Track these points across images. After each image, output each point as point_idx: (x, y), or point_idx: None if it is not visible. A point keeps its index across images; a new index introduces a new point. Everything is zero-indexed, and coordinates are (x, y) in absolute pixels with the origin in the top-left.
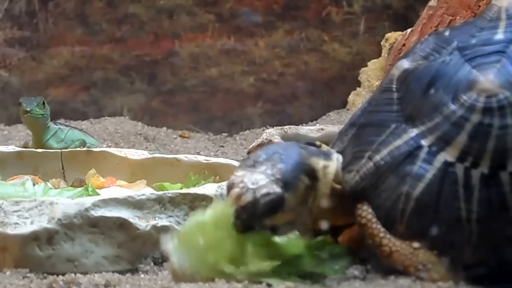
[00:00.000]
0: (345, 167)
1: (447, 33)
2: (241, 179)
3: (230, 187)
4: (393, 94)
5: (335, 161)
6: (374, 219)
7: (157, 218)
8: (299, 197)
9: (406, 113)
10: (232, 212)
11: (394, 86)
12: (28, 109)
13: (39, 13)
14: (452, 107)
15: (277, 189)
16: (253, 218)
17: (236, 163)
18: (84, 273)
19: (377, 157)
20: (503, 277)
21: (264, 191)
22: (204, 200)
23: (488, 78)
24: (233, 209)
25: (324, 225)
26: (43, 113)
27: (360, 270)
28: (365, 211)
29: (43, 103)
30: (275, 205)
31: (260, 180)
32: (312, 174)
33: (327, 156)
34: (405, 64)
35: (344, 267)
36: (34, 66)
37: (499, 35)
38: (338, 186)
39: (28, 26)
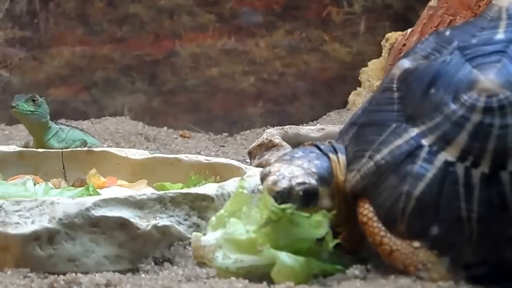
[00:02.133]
0: (346, 166)
1: (447, 33)
2: (278, 169)
3: (265, 175)
4: (394, 93)
5: (342, 157)
6: (375, 218)
7: (158, 218)
8: (331, 194)
9: (406, 113)
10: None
11: (394, 85)
12: (14, 104)
13: (40, 13)
14: (453, 106)
15: (312, 181)
16: (289, 202)
17: (237, 163)
18: (85, 272)
19: (378, 157)
20: (503, 277)
21: (300, 180)
22: (204, 200)
23: (488, 78)
24: (270, 195)
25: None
26: (32, 110)
27: (361, 270)
28: (366, 210)
29: (34, 100)
30: (309, 195)
31: (296, 171)
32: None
33: (335, 152)
34: (406, 63)
35: (342, 265)
36: (35, 66)
37: (500, 35)
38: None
39: (29, 26)
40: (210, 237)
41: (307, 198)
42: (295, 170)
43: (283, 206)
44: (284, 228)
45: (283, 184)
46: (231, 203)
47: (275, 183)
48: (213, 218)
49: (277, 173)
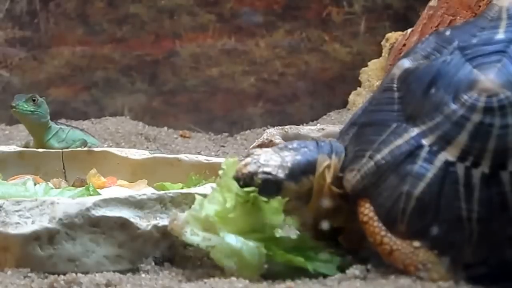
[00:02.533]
0: (346, 166)
1: (448, 33)
2: (259, 154)
3: (246, 155)
4: (394, 93)
5: (336, 159)
6: (376, 218)
7: (158, 218)
8: (300, 192)
9: (407, 113)
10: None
11: (395, 85)
12: (14, 104)
13: (40, 13)
14: (453, 106)
15: (280, 174)
16: (249, 184)
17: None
18: (85, 272)
19: (378, 156)
20: (503, 277)
21: (267, 169)
22: None
23: (489, 78)
24: (235, 176)
25: (325, 225)
26: (32, 110)
27: (361, 270)
28: (367, 209)
29: (34, 100)
30: (269, 186)
31: (272, 161)
32: (314, 168)
33: (330, 153)
34: (406, 63)
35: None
36: (35, 66)
37: (500, 35)
38: (335, 189)
39: (29, 26)
40: (184, 214)
41: (266, 188)
42: (273, 159)
43: (246, 189)
44: (248, 213)
45: (250, 168)
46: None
47: (245, 165)
48: (198, 197)
49: (255, 157)
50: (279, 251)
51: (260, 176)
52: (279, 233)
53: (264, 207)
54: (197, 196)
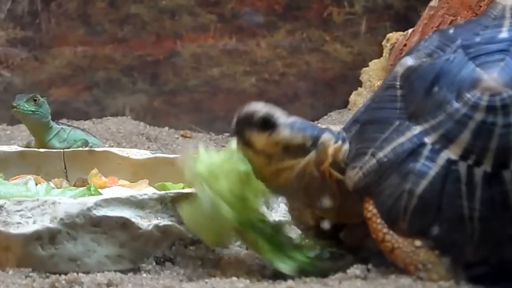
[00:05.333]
0: (349, 163)
1: (451, 31)
2: (267, 105)
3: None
4: (397, 91)
5: (337, 147)
6: (378, 214)
7: (159, 218)
8: (289, 143)
9: (409, 111)
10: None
11: (397, 83)
12: (15, 104)
13: (41, 13)
14: (456, 105)
15: (279, 118)
16: (248, 122)
17: None
18: (87, 272)
19: (380, 154)
20: (504, 276)
21: (270, 111)
22: None
23: (492, 77)
24: (238, 112)
25: (326, 224)
26: (33, 110)
27: (361, 269)
28: (371, 206)
29: (35, 100)
30: (269, 122)
31: (274, 110)
32: (315, 142)
33: (337, 140)
34: (409, 61)
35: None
36: (37, 66)
37: (503, 34)
38: (337, 174)
39: (31, 26)
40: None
41: (265, 123)
42: (275, 109)
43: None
44: (238, 181)
45: (256, 107)
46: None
47: (247, 106)
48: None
49: (256, 104)
50: (251, 233)
51: (261, 112)
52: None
53: (252, 184)
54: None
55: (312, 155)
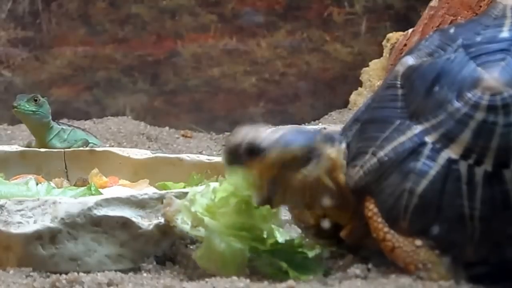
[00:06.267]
0: (349, 162)
1: (452, 30)
2: (252, 129)
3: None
4: (398, 90)
5: (337, 149)
6: (380, 213)
7: (159, 217)
8: (287, 160)
9: (410, 110)
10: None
11: (398, 82)
12: (15, 104)
13: (42, 13)
14: (457, 104)
15: (264, 140)
16: (236, 156)
17: None
18: (87, 272)
19: (381, 153)
20: (504, 276)
21: (251, 137)
22: None
23: (493, 76)
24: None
25: (326, 224)
26: (34, 110)
27: (361, 269)
28: (372, 204)
29: (35, 100)
30: (253, 144)
31: (257, 133)
32: (311, 150)
33: (333, 142)
34: (410, 60)
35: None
36: (37, 66)
37: (504, 33)
38: (341, 177)
39: (31, 27)
40: (177, 201)
41: (250, 151)
42: (262, 131)
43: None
44: (239, 212)
45: (235, 138)
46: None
47: (230, 140)
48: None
49: (246, 131)
50: (264, 253)
51: (245, 142)
52: (276, 234)
53: (254, 212)
54: (191, 190)
55: (314, 163)
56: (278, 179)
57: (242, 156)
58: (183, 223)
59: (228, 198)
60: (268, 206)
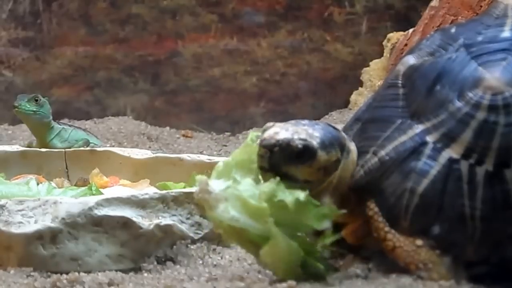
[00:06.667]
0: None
1: (453, 30)
2: (282, 125)
3: (267, 128)
4: (399, 89)
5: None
6: (381, 213)
7: (160, 217)
8: (327, 164)
9: (411, 109)
10: (261, 150)
11: (399, 81)
12: (16, 104)
13: (43, 13)
14: (458, 104)
15: (313, 141)
16: (284, 156)
17: None
18: (88, 272)
19: (382, 153)
20: (505, 276)
21: (302, 136)
22: None
23: (494, 76)
24: (265, 144)
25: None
26: (34, 110)
27: (362, 269)
28: (373, 204)
29: (36, 100)
30: (307, 151)
31: (300, 130)
32: (343, 149)
33: (350, 140)
34: (411, 60)
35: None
36: (38, 66)
37: (506, 33)
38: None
39: (32, 27)
40: (216, 185)
41: (304, 153)
42: (300, 129)
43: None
44: (291, 209)
45: (285, 135)
46: (240, 152)
47: (276, 133)
48: (220, 164)
49: (280, 127)
50: (314, 262)
51: (297, 142)
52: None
53: (310, 209)
54: (240, 174)
55: (342, 165)
56: (315, 184)
57: (290, 159)
58: (224, 212)
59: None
60: (328, 207)
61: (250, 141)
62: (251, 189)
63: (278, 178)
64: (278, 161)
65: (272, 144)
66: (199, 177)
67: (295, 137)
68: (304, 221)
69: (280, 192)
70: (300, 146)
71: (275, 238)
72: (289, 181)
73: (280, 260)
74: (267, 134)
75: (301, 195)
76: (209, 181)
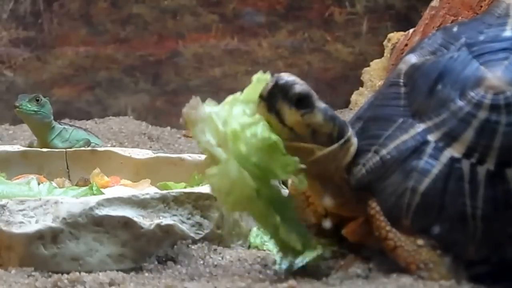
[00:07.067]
0: (352, 160)
1: (455, 29)
2: (297, 78)
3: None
4: (401, 88)
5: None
6: (382, 212)
7: (161, 217)
8: (318, 128)
9: (413, 108)
10: (269, 80)
11: (401, 80)
12: (17, 104)
13: (44, 13)
14: (460, 103)
15: (318, 101)
16: (285, 93)
17: None
18: (89, 271)
19: (384, 151)
20: (505, 275)
21: (311, 91)
22: (207, 199)
23: (496, 75)
24: (276, 77)
25: (327, 223)
26: (35, 109)
27: (363, 269)
28: (375, 202)
29: (37, 100)
30: (307, 100)
31: (313, 91)
32: (341, 133)
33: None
34: (413, 58)
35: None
36: (39, 66)
37: (507, 32)
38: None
39: (33, 27)
40: (208, 107)
41: (304, 98)
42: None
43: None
44: (259, 147)
45: (298, 81)
46: (249, 88)
47: (291, 77)
48: (230, 97)
49: (289, 73)
50: (264, 205)
51: (304, 88)
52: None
53: (279, 157)
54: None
55: (335, 147)
56: (298, 138)
57: (288, 99)
58: (200, 132)
59: (261, 132)
60: (295, 158)
61: (257, 80)
62: (239, 117)
63: (266, 114)
64: (277, 95)
65: (281, 78)
66: (195, 99)
67: (305, 86)
68: (269, 166)
69: (259, 126)
70: (304, 92)
71: (227, 164)
72: (276, 122)
73: (229, 190)
74: (284, 73)
75: (274, 136)
76: (203, 104)
